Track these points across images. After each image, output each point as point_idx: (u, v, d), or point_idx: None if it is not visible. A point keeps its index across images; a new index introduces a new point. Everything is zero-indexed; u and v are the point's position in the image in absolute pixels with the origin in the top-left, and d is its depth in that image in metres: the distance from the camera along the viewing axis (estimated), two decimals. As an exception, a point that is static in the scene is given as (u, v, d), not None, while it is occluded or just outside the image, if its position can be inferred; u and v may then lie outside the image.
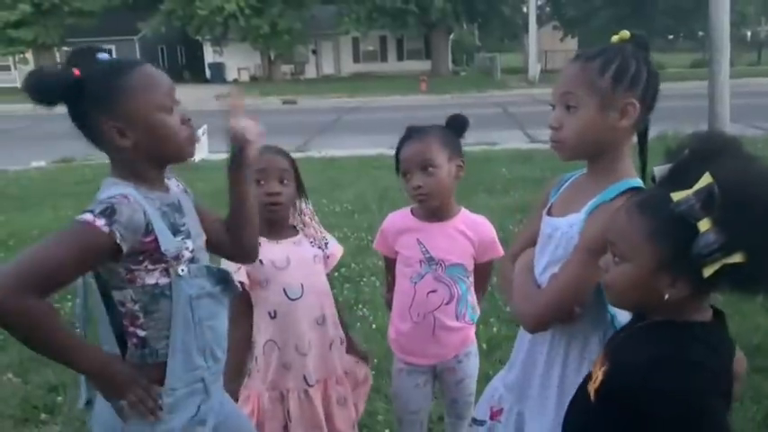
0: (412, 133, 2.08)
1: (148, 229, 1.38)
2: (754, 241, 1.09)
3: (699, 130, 1.31)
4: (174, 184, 1.59)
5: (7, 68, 35.39)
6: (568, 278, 1.44)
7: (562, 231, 1.51)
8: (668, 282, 1.16)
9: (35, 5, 28.83)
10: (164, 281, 1.43)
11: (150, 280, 1.42)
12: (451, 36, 36.91)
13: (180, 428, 1.48)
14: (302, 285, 2.01)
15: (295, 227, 2.10)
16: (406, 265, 2.15)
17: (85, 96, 1.39)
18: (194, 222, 1.56)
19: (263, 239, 1.99)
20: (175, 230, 1.46)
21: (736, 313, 3.19)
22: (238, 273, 1.94)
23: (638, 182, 1.48)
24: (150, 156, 1.46)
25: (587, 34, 35.69)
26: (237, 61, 35.44)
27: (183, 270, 1.44)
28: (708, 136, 1.29)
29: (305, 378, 2.02)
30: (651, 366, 1.17)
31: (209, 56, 36.24)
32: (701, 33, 32.71)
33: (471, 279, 2.16)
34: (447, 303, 2.11)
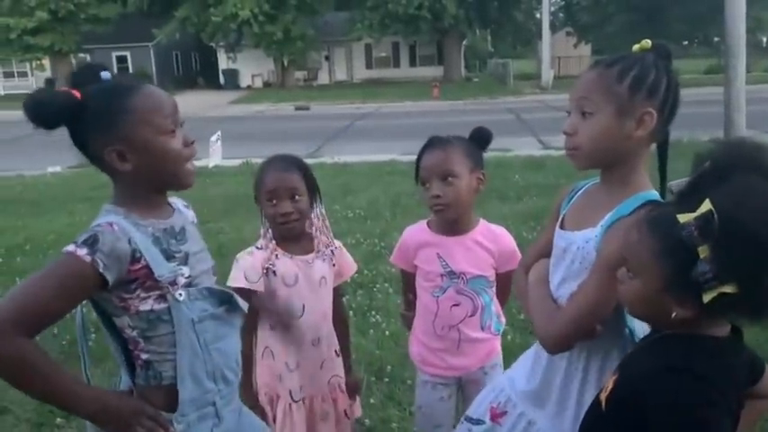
0: (434, 142, 2.06)
1: (135, 257, 1.35)
2: (743, 273, 1.08)
3: (724, 140, 1.29)
4: (182, 209, 1.57)
5: (25, 75, 35.87)
6: (588, 297, 1.41)
7: (578, 246, 1.48)
8: (675, 301, 1.16)
9: (52, 12, 29.22)
10: (158, 306, 1.40)
11: (144, 307, 1.39)
12: (464, 42, 36.94)
13: None
14: (304, 306, 2.02)
15: (311, 236, 2.08)
16: (426, 279, 2.13)
17: (86, 118, 1.36)
18: (197, 248, 1.51)
19: (279, 251, 2.01)
20: (168, 256, 1.41)
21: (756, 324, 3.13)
22: (257, 284, 1.96)
23: (655, 194, 1.45)
24: (150, 180, 1.43)
25: (601, 40, 35.59)
26: (251, 68, 35.68)
27: (180, 295, 1.41)
28: (731, 147, 1.26)
29: (290, 392, 2.05)
30: (653, 376, 1.17)
31: (223, 62, 36.52)
32: (716, 39, 32.52)
33: (494, 288, 2.14)
34: (471, 315, 2.09)
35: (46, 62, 32.08)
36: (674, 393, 1.14)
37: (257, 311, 2.04)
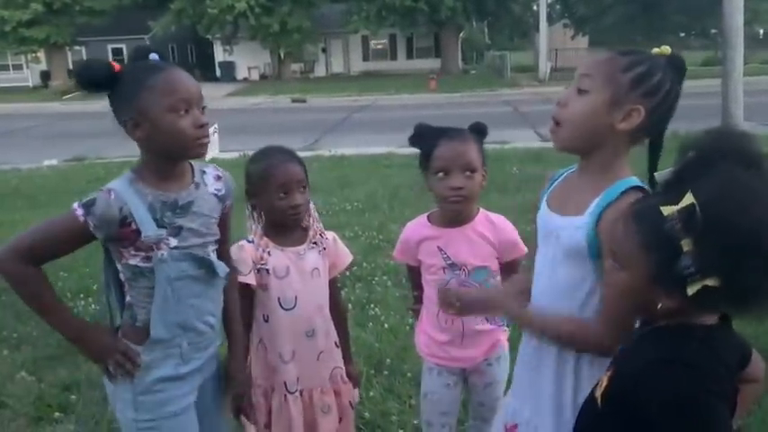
0: (451, 133, 2.05)
1: (125, 221, 1.58)
2: (726, 267, 1.07)
3: (709, 129, 1.25)
4: (205, 184, 1.74)
5: (20, 68, 35.69)
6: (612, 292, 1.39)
7: (568, 233, 1.49)
8: (662, 293, 1.15)
9: (47, 5, 29.03)
10: (143, 264, 1.63)
11: (132, 261, 1.64)
12: (461, 34, 36.85)
13: (153, 382, 1.68)
14: (296, 298, 2.01)
15: (304, 229, 2.08)
16: (429, 273, 2.14)
17: (118, 89, 1.58)
18: (199, 224, 1.69)
19: (270, 244, 2.01)
20: (159, 225, 1.62)
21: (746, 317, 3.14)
22: (248, 276, 1.98)
23: (636, 180, 1.45)
24: (159, 150, 1.62)
25: (598, 32, 35.48)
26: (247, 60, 35.55)
27: (162, 255, 1.62)
28: (716, 136, 1.24)
29: (285, 384, 2.04)
30: (647, 371, 1.17)
31: (220, 54, 36.38)
32: (713, 31, 32.45)
33: (499, 279, 2.13)
34: None
35: (41, 55, 31.94)
36: (670, 385, 1.13)
37: (252, 304, 2.03)
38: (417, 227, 2.18)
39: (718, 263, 1.08)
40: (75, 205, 1.58)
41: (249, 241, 2.02)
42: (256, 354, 2.08)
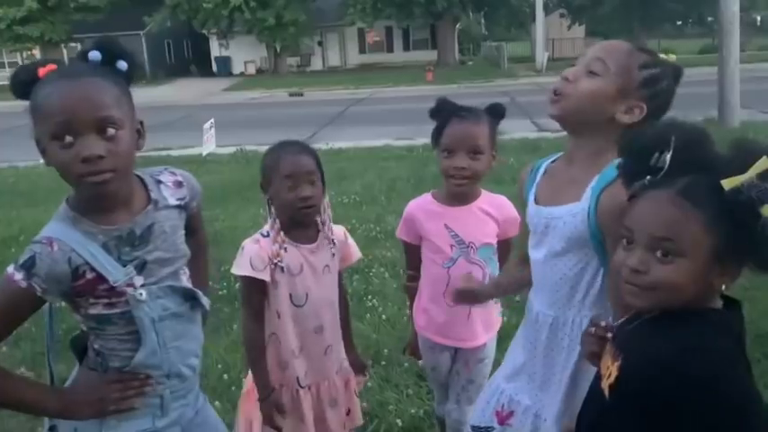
0: (464, 112, 2.06)
1: (78, 273, 1.31)
2: None
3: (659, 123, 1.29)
4: (162, 198, 1.44)
5: (15, 65, 35.48)
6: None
7: (564, 221, 1.50)
8: (719, 271, 1.15)
9: (41, 2, 28.93)
10: (107, 312, 1.37)
11: (93, 311, 1.38)
12: (458, 25, 36.71)
13: None
14: (307, 295, 2.00)
15: (316, 224, 2.05)
16: (435, 251, 2.15)
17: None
18: (164, 250, 1.42)
19: (286, 242, 1.96)
20: (123, 264, 1.36)
21: (747, 300, 3.17)
22: (263, 272, 1.94)
23: None
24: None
25: (595, 22, 35.39)
26: (243, 54, 35.44)
27: (141, 294, 1.37)
28: (660, 129, 1.22)
29: (297, 380, 2.04)
30: (680, 355, 1.14)
31: (216, 49, 36.27)
32: (710, 19, 32.35)
33: (497, 259, 2.18)
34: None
35: (36, 52, 31.80)
36: (700, 372, 1.11)
37: (265, 300, 2.01)
38: (422, 203, 2.20)
39: None
40: (10, 269, 1.29)
41: (264, 235, 1.98)
42: (268, 348, 2.04)
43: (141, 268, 1.38)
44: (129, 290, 1.36)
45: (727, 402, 1.11)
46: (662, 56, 1.53)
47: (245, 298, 2.03)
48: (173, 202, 1.46)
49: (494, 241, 2.14)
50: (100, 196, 1.30)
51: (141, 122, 1.39)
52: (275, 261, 1.94)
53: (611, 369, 1.24)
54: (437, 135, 2.09)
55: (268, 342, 2.04)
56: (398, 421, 2.73)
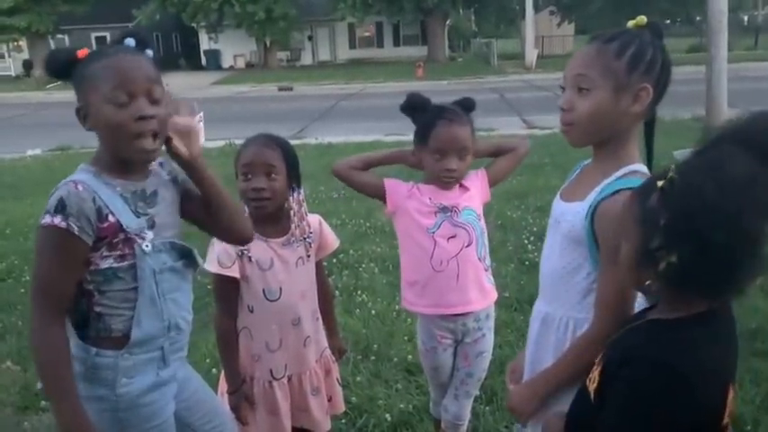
0: (448, 114, 2.11)
1: (102, 214, 1.43)
2: (691, 244, 1.08)
3: (752, 112, 1.17)
4: (160, 172, 1.60)
5: (2, 57, 35.19)
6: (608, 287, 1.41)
7: (568, 218, 1.51)
8: (645, 271, 1.16)
9: (28, -8, 28.56)
10: (117, 264, 1.48)
11: (104, 264, 1.47)
12: (448, 22, 36.70)
13: (138, 392, 1.54)
14: (281, 289, 2.00)
15: (289, 218, 2.04)
16: (419, 220, 2.14)
17: (74, 76, 1.47)
18: (166, 215, 1.57)
19: (255, 235, 1.94)
20: (138, 215, 1.50)
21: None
22: (232, 269, 1.95)
23: (641, 166, 1.47)
24: (106, 145, 1.49)
25: (584, 19, 35.51)
26: (233, 48, 35.26)
27: (147, 246, 1.49)
28: (748, 120, 1.17)
29: (271, 371, 2.04)
30: (655, 347, 1.16)
31: (205, 43, 36.03)
32: (698, 18, 32.56)
33: (483, 224, 2.20)
34: (468, 246, 2.14)
35: (23, 43, 31.47)
36: (639, 384, 1.14)
37: (237, 296, 2.01)
38: (403, 187, 2.21)
39: (683, 240, 1.08)
40: (47, 219, 1.40)
41: None
42: (239, 342, 2.05)
43: (152, 225, 1.52)
44: (139, 240, 1.48)
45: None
46: (630, 25, 1.47)
47: (217, 293, 2.05)
48: (165, 176, 1.61)
49: (476, 207, 2.18)
50: (137, 160, 1.49)
51: None
52: (242, 250, 1.94)
53: (594, 374, 1.27)
54: (423, 134, 2.12)
55: (239, 336, 2.05)
56: (387, 416, 2.73)
